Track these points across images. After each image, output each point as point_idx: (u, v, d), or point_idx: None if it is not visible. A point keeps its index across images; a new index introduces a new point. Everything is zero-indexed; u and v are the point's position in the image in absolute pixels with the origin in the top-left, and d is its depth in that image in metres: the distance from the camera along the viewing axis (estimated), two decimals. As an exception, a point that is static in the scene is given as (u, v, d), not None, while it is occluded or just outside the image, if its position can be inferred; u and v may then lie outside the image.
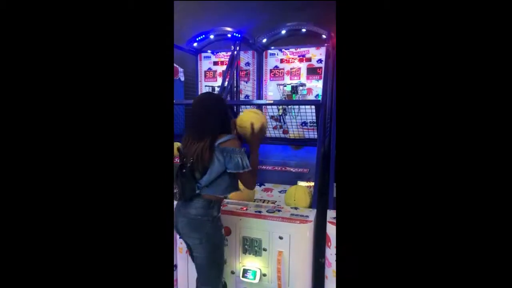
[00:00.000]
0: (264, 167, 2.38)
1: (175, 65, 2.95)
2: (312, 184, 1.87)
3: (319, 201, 1.64)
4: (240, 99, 2.60)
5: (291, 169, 2.30)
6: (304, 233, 1.45)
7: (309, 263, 1.51)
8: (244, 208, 1.57)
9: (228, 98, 2.27)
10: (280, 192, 2.11)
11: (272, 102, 2.07)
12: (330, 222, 1.41)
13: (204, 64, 3.05)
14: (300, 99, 2.58)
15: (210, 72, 3.03)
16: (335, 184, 1.59)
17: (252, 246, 1.51)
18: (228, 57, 2.57)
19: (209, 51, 3.04)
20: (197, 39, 2.85)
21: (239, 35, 2.43)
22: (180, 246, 1.68)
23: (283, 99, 2.64)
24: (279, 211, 1.56)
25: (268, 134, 2.78)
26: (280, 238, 1.46)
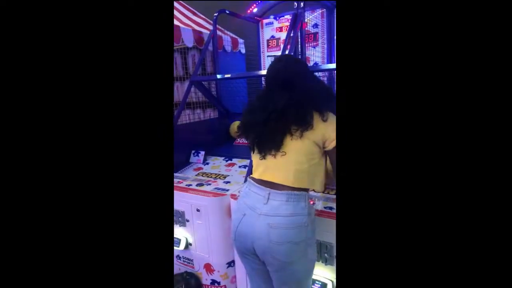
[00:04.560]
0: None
1: (234, 36, 2.69)
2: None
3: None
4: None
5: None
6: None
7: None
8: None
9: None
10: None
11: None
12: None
13: (266, 32, 2.71)
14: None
15: (273, 41, 2.68)
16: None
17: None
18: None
19: (271, 17, 2.68)
20: (256, 3, 2.52)
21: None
22: (236, 242, 1.48)
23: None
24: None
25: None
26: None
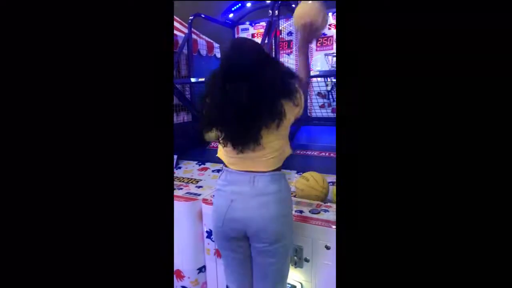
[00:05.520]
0: (309, 152, 2.03)
1: (210, 40, 2.69)
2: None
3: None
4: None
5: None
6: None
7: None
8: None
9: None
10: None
11: (317, 73, 1.70)
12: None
13: (242, 38, 2.74)
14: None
15: (248, 46, 2.71)
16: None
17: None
18: (267, 26, 2.22)
19: (247, 23, 2.72)
20: (233, 9, 2.55)
21: (278, -2, 2.06)
22: (207, 247, 1.46)
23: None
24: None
25: (314, 114, 2.42)
26: None
